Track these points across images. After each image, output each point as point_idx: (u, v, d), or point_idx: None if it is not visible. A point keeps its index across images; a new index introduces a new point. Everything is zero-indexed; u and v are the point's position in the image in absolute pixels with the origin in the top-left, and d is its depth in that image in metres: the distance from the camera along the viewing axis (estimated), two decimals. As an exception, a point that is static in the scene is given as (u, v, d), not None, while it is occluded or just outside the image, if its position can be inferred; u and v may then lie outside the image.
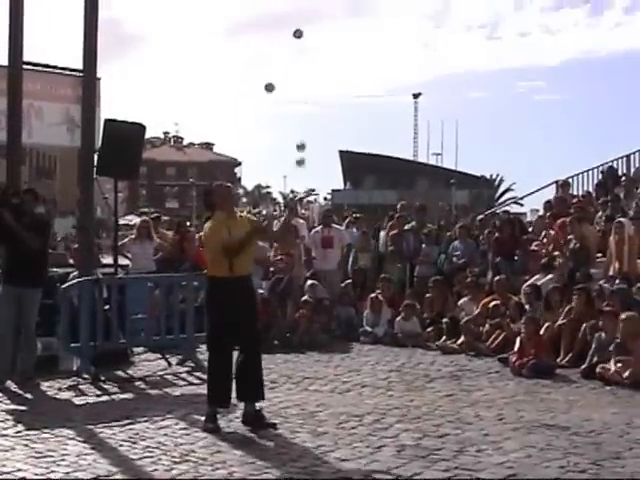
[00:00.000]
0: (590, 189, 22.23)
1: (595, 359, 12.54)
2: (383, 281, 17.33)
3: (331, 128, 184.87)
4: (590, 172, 23.62)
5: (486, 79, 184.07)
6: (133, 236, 17.03)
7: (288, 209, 12.77)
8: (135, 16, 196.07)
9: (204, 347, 14.49)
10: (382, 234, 19.65)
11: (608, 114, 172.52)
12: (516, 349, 13.30)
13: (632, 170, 22.64)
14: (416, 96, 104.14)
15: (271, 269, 17.57)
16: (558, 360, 13.29)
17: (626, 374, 11.67)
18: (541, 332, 13.53)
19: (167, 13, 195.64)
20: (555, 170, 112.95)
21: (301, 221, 20.38)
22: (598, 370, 12.11)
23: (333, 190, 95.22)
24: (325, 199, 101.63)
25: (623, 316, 12.43)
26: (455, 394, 11.44)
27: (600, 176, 22.49)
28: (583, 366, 12.55)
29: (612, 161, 23.26)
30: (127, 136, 13.58)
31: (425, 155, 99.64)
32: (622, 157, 23.41)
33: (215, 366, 9.73)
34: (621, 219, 15.85)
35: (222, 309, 9.56)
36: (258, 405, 9.68)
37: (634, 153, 23.14)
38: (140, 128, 14.03)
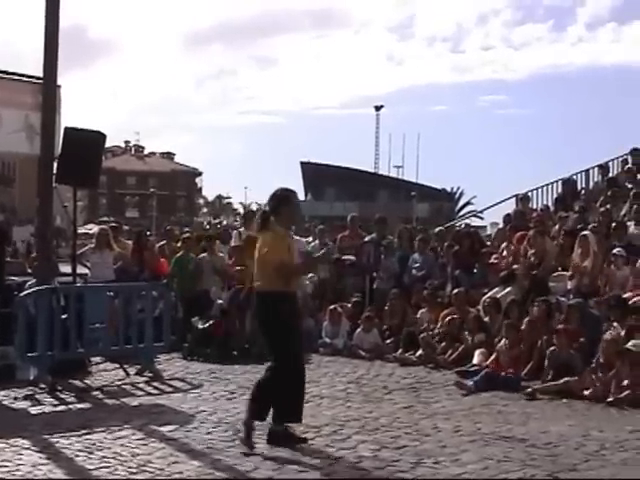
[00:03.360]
0: (549, 203, 22.38)
1: (550, 376, 12.59)
2: (355, 306, 17.30)
3: (293, 139, 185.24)
4: (549, 186, 23.78)
5: (448, 92, 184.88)
6: (92, 245, 16.94)
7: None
8: (99, 24, 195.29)
9: (162, 357, 14.58)
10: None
11: (569, 129, 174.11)
12: (490, 360, 13.35)
13: (591, 184, 22.86)
14: (378, 108, 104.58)
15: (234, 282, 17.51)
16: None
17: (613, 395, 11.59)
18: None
19: (132, 21, 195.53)
20: (515, 184, 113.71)
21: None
22: (566, 384, 12.07)
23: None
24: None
25: (607, 336, 12.42)
26: (413, 406, 11.45)
27: (560, 189, 22.64)
28: (541, 385, 12.49)
29: (572, 175, 23.44)
30: (87, 144, 13.53)
31: (386, 167, 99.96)
32: (581, 172, 23.62)
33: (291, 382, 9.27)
34: (586, 232, 15.93)
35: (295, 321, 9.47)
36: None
37: (593, 168, 23.37)
38: (100, 136, 13.97)
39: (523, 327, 13.79)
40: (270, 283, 9.21)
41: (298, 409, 9.29)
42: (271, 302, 9.22)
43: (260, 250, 9.32)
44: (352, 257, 18.80)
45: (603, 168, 22.72)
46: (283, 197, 9.56)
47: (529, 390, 12.11)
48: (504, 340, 13.50)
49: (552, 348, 12.92)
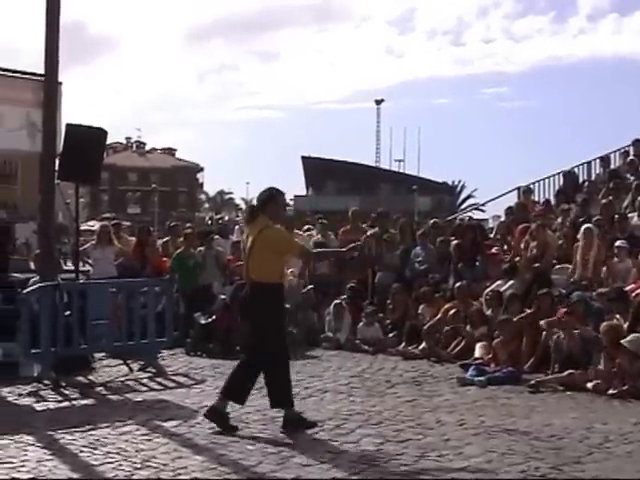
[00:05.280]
0: (551, 196, 22.36)
1: (557, 367, 12.60)
2: (352, 291, 17.29)
3: (294, 134, 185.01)
4: (551, 179, 23.78)
5: (450, 85, 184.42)
6: (94, 241, 16.96)
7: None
8: (99, 19, 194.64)
9: (165, 353, 14.60)
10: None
11: (571, 121, 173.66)
12: (490, 355, 13.37)
13: (593, 176, 22.84)
14: (379, 102, 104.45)
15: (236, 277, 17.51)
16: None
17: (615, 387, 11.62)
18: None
19: (132, 17, 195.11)
20: (517, 177, 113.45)
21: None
22: (570, 377, 12.08)
23: (295, 196, 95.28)
24: (287, 205, 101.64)
25: (605, 325, 12.43)
26: (416, 399, 11.46)
27: (561, 181, 22.63)
28: (544, 377, 12.50)
29: (573, 168, 23.42)
30: (89, 141, 13.54)
31: (388, 161, 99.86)
32: (583, 164, 23.61)
33: (287, 371, 9.84)
34: (589, 225, 15.93)
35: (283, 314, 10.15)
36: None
37: (595, 160, 23.35)
38: (102, 133, 13.98)
39: (525, 319, 13.81)
40: (270, 273, 9.72)
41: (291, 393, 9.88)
42: (270, 292, 9.71)
43: (259, 241, 9.68)
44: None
45: (604, 160, 22.69)
46: (271, 195, 10.04)
47: (532, 382, 12.12)
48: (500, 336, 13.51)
49: (556, 335, 12.94)
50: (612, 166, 22.39)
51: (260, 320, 9.78)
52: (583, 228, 15.86)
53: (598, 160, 23.07)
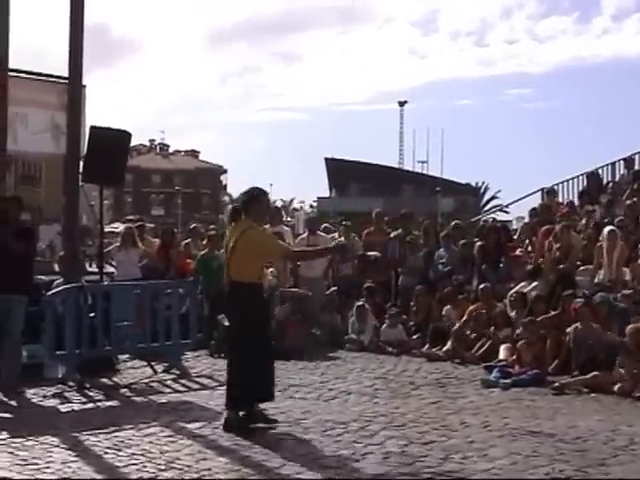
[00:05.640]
0: (575, 197, 22.27)
1: (577, 363, 12.58)
2: (368, 291, 17.29)
3: (317, 135, 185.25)
4: (575, 180, 23.68)
5: (474, 86, 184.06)
6: (118, 243, 17.01)
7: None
8: (122, 22, 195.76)
9: (189, 354, 14.63)
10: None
11: (595, 121, 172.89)
12: (514, 357, 13.33)
13: (617, 177, 22.72)
14: (402, 104, 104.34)
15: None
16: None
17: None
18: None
19: (155, 20, 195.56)
20: (541, 178, 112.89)
21: (286, 228, 20.40)
22: (595, 379, 12.04)
23: (319, 198, 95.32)
24: (311, 207, 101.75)
25: (631, 327, 12.38)
26: (440, 401, 11.44)
27: (585, 182, 22.53)
28: (569, 379, 12.46)
29: (597, 169, 23.32)
30: (113, 143, 13.56)
31: (411, 163, 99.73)
32: (607, 165, 23.50)
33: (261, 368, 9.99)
34: (613, 227, 15.82)
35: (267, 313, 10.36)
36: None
37: (619, 161, 23.23)
38: (125, 135, 14.01)
39: (549, 321, 13.78)
40: (251, 273, 9.90)
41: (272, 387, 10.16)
42: (249, 292, 9.85)
43: (241, 241, 9.84)
44: (376, 253, 18.75)
45: (628, 161, 22.58)
46: (254, 195, 10.23)
47: (557, 385, 12.08)
48: (522, 338, 13.48)
49: (573, 327, 12.95)
50: (636, 167, 22.30)
51: (239, 319, 9.93)
52: (607, 230, 15.77)
53: (622, 161, 22.95)
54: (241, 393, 9.84)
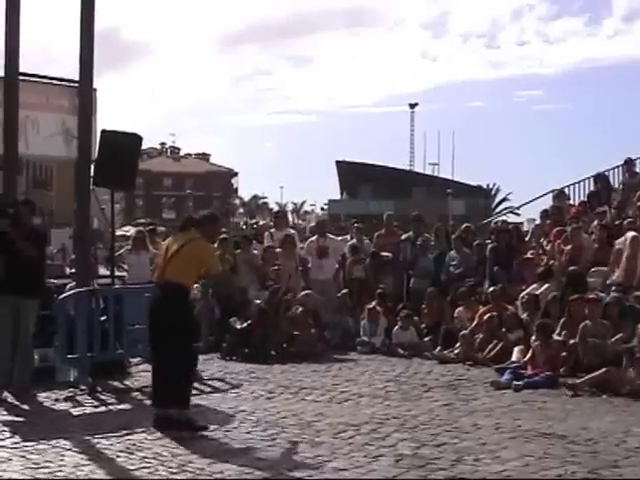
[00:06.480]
0: (585, 199, 22.19)
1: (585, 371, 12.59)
2: (379, 297, 17.26)
3: (329, 138, 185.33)
4: (586, 181, 23.59)
5: (484, 88, 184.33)
6: (129, 247, 17.03)
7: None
8: (133, 25, 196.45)
9: (201, 357, 14.53)
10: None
11: (607, 123, 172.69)
12: (527, 358, 13.31)
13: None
14: (413, 106, 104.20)
15: (270, 282, 17.49)
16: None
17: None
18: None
19: (166, 23, 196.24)
20: (552, 180, 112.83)
21: (292, 231, 20.42)
22: (606, 374, 12.00)
23: (330, 200, 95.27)
24: (322, 209, 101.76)
25: None
26: (452, 403, 11.43)
27: (594, 185, 22.45)
28: (582, 378, 12.42)
29: (607, 170, 23.23)
30: (124, 147, 13.62)
31: (422, 165, 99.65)
32: (618, 166, 23.41)
33: (190, 373, 10.39)
34: (636, 234, 15.52)
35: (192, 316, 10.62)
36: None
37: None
38: (136, 138, 14.06)
39: (560, 326, 13.78)
40: (187, 278, 10.24)
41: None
42: (181, 294, 10.09)
43: (187, 248, 10.08)
44: (388, 254, 18.77)
45: (628, 163, 22.47)
46: (213, 216, 10.98)
47: (570, 383, 12.06)
48: (535, 340, 13.46)
49: (584, 323, 13.01)
50: (637, 169, 22.29)
51: (170, 319, 9.97)
52: (631, 235, 15.48)
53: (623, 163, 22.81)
54: (187, 393, 10.19)
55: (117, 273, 15.41)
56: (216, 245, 18.39)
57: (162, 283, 10.19)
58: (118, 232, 30.74)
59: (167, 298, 10.08)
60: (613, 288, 14.87)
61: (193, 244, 10.12)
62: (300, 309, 16.47)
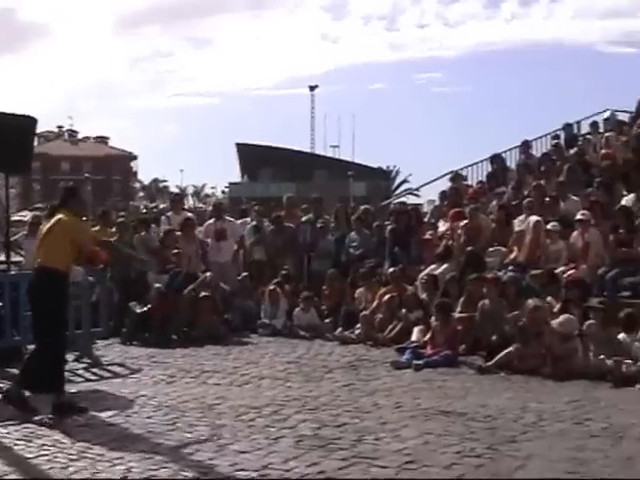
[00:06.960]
0: (483, 179, 22.50)
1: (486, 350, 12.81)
2: (283, 277, 17.29)
3: (230, 121, 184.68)
4: (484, 162, 23.90)
5: (385, 70, 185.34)
6: (25, 232, 16.75)
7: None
8: (28, 6, 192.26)
9: (100, 343, 14.48)
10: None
11: (505, 106, 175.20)
12: (426, 338, 13.45)
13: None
14: (313, 88, 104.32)
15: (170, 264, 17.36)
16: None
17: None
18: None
19: (63, 3, 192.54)
20: (452, 161, 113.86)
21: (189, 214, 20.31)
22: (507, 356, 12.20)
23: (230, 183, 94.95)
24: (223, 192, 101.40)
25: (529, 304, 12.54)
26: (353, 384, 11.51)
27: (490, 166, 22.75)
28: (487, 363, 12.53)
29: (505, 152, 23.54)
30: (16, 129, 13.33)
31: (322, 148, 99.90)
32: (515, 147, 23.76)
33: (62, 358, 10.17)
34: (539, 219, 15.70)
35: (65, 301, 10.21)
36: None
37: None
38: (30, 120, 13.80)
39: (460, 306, 13.97)
40: (61, 260, 9.87)
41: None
42: (55, 279, 9.83)
43: (54, 228, 9.91)
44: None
45: (525, 145, 22.85)
46: (71, 190, 10.69)
47: (480, 365, 12.23)
48: (435, 320, 13.63)
49: (482, 302, 13.27)
50: (535, 150, 22.76)
51: (42, 304, 9.89)
52: (534, 219, 15.70)
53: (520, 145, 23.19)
54: (59, 378, 9.99)
55: (13, 259, 15.12)
56: (114, 230, 18.31)
57: (36, 268, 10.05)
58: (15, 217, 30.21)
59: (40, 282, 9.94)
60: (510, 267, 15.14)
61: (60, 222, 9.91)
62: (203, 293, 16.34)
